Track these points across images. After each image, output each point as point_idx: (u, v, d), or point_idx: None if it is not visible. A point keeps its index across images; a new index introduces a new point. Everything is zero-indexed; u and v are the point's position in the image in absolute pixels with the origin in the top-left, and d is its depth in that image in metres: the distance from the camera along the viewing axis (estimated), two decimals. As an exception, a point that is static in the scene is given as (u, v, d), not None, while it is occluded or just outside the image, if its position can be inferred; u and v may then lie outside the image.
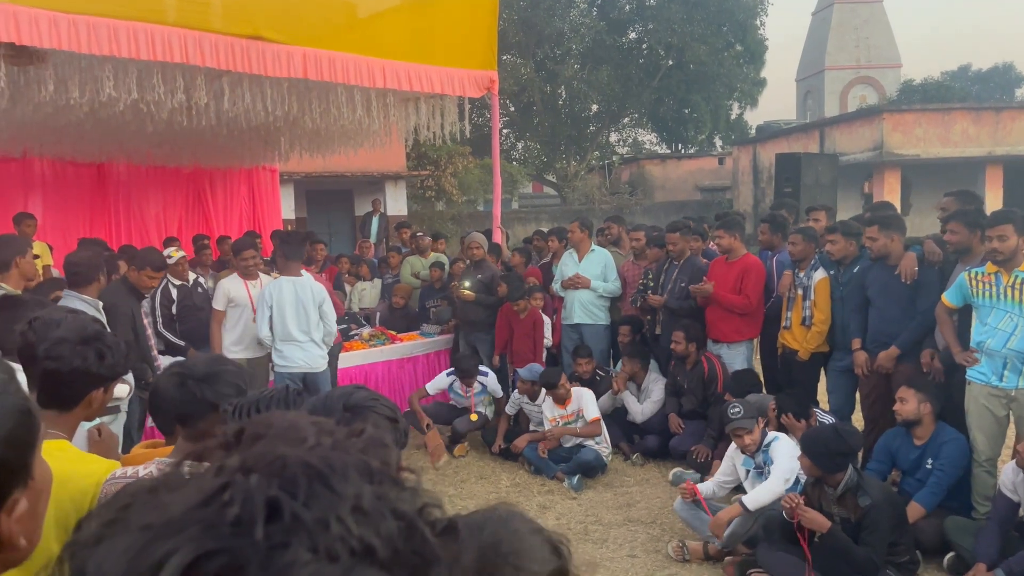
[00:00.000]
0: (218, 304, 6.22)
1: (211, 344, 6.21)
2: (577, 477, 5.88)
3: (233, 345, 6.19)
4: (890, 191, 18.82)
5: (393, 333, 7.94)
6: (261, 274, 6.47)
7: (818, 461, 4.12)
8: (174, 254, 6.86)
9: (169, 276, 6.76)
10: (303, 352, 5.89)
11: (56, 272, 6.90)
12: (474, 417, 6.83)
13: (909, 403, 4.66)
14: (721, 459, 5.36)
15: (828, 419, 5.23)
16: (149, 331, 5.47)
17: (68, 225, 9.31)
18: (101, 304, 4.49)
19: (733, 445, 4.89)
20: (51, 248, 7.84)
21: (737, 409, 4.76)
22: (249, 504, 0.44)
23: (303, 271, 6.14)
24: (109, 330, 2.68)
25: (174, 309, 6.72)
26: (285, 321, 5.83)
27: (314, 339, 5.93)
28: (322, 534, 0.43)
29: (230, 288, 6.24)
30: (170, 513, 0.45)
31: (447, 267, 8.76)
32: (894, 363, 5.16)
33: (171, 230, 10.35)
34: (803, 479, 4.57)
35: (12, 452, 0.83)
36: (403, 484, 0.49)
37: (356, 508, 0.45)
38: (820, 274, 5.70)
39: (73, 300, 4.32)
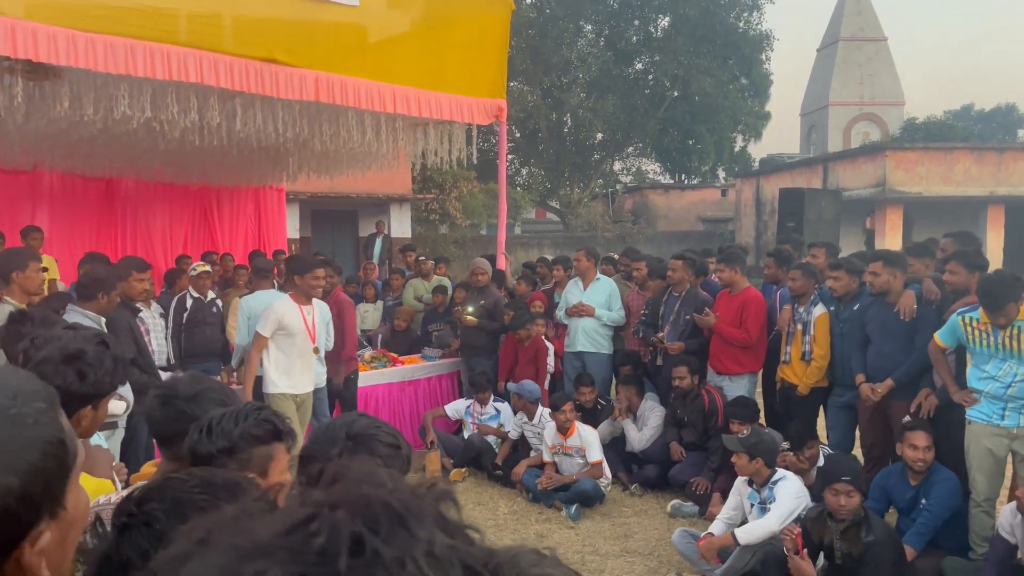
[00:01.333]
0: (264, 329, 5.44)
1: (246, 371, 5.56)
2: (575, 506, 5.87)
3: (278, 375, 5.53)
4: (892, 228, 18.90)
5: (395, 356, 7.96)
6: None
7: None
8: (200, 267, 7.03)
9: (190, 287, 6.95)
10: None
11: (62, 285, 6.94)
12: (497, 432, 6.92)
13: (931, 450, 4.64)
14: (720, 492, 5.37)
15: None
16: (152, 347, 5.49)
17: (75, 238, 9.36)
18: (103, 320, 4.51)
19: (740, 478, 4.90)
20: (56, 261, 7.88)
21: (745, 435, 4.81)
22: (335, 536, 0.47)
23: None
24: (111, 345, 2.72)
25: (184, 318, 6.87)
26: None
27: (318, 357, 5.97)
28: (398, 572, 0.46)
29: (284, 312, 5.47)
30: (258, 537, 0.48)
31: (450, 291, 8.80)
32: (886, 391, 5.17)
33: (177, 246, 10.41)
34: (804, 517, 4.58)
35: (37, 485, 0.82)
36: (471, 538, 0.52)
37: (429, 553, 0.48)
38: (820, 309, 5.74)
39: (76, 315, 4.34)
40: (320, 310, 5.97)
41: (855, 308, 5.57)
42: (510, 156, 29.63)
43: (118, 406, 3.93)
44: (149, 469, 2.25)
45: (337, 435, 1.86)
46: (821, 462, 5.18)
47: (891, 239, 18.41)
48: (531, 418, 6.57)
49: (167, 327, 6.76)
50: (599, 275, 7.46)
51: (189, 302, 6.96)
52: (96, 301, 4.54)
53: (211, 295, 7.18)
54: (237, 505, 0.54)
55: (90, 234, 9.70)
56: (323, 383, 6.11)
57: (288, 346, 5.50)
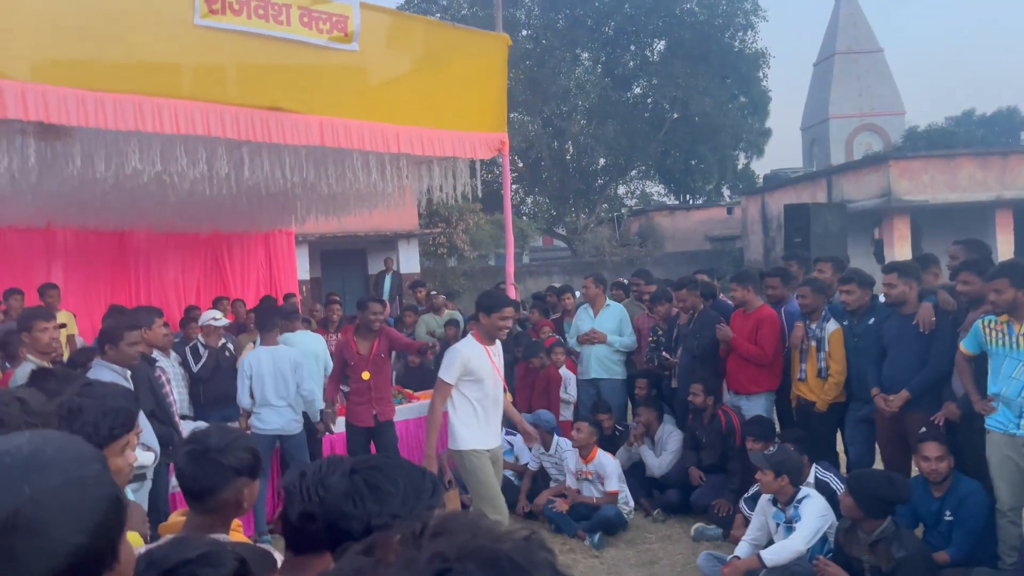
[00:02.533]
0: (449, 375, 4.82)
1: (429, 424, 4.92)
2: (598, 535, 5.85)
3: (466, 429, 4.85)
4: (900, 237, 18.85)
5: (410, 392, 7.98)
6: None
7: (862, 503, 4.12)
8: (219, 316, 7.14)
9: (200, 337, 7.06)
10: (279, 416, 6.09)
11: (81, 340, 7.03)
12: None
13: (944, 461, 4.63)
14: (743, 513, 5.35)
15: (831, 476, 5.22)
16: (172, 396, 5.53)
17: (90, 293, 9.48)
18: (129, 372, 4.56)
19: (764, 497, 4.89)
20: (74, 316, 7.99)
21: (772, 450, 4.82)
22: None
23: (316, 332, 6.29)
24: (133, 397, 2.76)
25: (194, 369, 6.96)
26: (264, 388, 6.07)
27: (291, 404, 6.13)
28: None
29: (470, 355, 4.86)
30: None
31: (462, 324, 8.84)
32: (902, 403, 5.16)
33: (190, 294, 10.52)
34: (831, 538, 4.56)
35: (102, 540, 0.89)
36: None
37: None
38: (833, 325, 5.75)
39: (102, 369, 4.39)
40: (290, 357, 6.15)
41: (870, 322, 5.57)
42: (514, 186, 29.83)
43: (147, 457, 3.96)
44: (177, 519, 2.28)
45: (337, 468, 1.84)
46: (812, 479, 5.17)
47: (900, 249, 18.36)
48: (547, 448, 6.57)
49: (182, 379, 6.88)
50: (609, 301, 7.49)
51: (203, 352, 7.07)
52: (108, 354, 4.57)
53: (221, 341, 7.26)
54: (355, 561, 0.59)
55: (105, 287, 9.82)
56: (299, 429, 6.18)
57: (477, 393, 4.86)
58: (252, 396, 6.10)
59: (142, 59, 5.44)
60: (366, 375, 6.25)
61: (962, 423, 4.92)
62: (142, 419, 3.60)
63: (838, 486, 5.05)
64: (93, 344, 5.55)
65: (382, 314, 6.44)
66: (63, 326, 5.31)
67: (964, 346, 4.81)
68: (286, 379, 6.08)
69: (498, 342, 5.06)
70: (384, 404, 6.39)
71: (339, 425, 6.80)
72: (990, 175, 19.22)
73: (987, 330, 4.60)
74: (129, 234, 10.08)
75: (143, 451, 3.92)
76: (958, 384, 4.97)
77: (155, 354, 5.81)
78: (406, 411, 7.60)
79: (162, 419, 4.92)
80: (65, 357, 5.67)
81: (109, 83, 5.30)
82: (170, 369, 6.34)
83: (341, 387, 6.73)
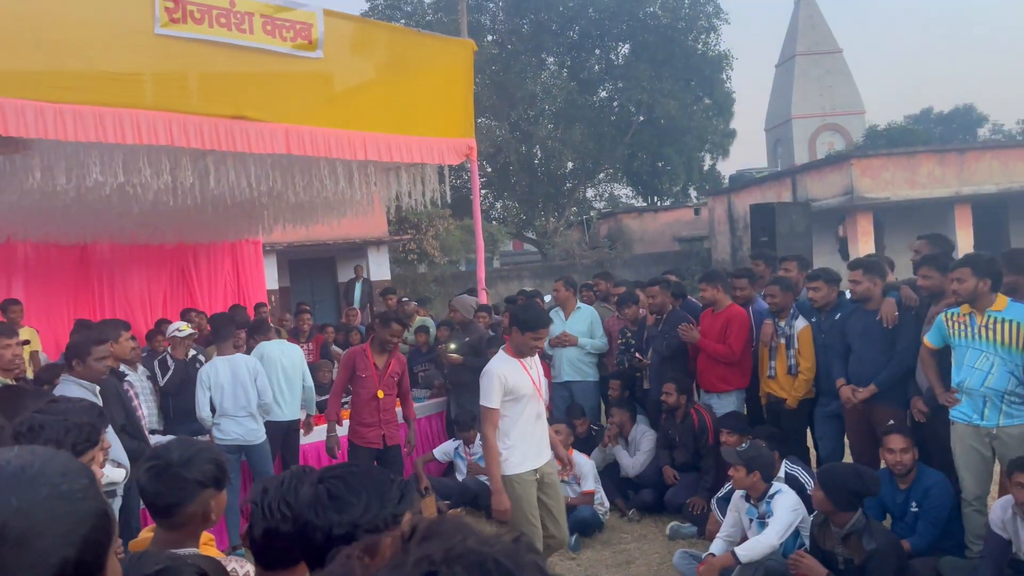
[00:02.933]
0: (491, 401, 4.38)
1: (488, 457, 4.46)
2: (575, 536, 5.85)
3: (511, 452, 4.42)
4: (864, 234, 19.18)
5: (383, 400, 7.94)
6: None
7: (832, 496, 4.18)
8: (185, 328, 7.02)
9: (169, 349, 6.95)
10: (239, 426, 6.02)
11: (44, 356, 6.90)
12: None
13: (908, 452, 4.72)
14: (716, 511, 5.39)
15: (800, 470, 5.29)
16: (142, 411, 5.45)
17: (53, 308, 9.29)
18: (98, 388, 4.47)
19: (737, 494, 4.93)
20: (37, 332, 7.83)
21: (744, 447, 4.88)
22: None
23: (287, 341, 6.23)
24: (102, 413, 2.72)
25: (161, 382, 6.86)
26: (223, 399, 5.99)
27: (252, 413, 6.05)
28: None
29: (506, 373, 4.40)
30: None
31: (432, 331, 8.83)
32: (869, 396, 5.26)
33: (156, 306, 10.36)
34: (804, 532, 4.62)
35: (90, 553, 0.90)
36: None
37: None
38: (801, 323, 5.83)
39: (70, 384, 4.31)
40: (248, 365, 6.06)
41: (836, 318, 5.66)
42: (483, 191, 29.84)
43: (117, 473, 3.90)
44: (147, 535, 2.25)
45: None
46: (782, 473, 5.24)
47: (864, 245, 18.67)
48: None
49: (153, 394, 6.78)
50: (579, 304, 7.52)
51: (171, 364, 6.96)
52: (75, 370, 4.48)
53: (191, 353, 7.15)
54: (343, 566, 0.60)
55: (68, 302, 9.63)
56: (262, 438, 6.12)
57: (516, 412, 4.44)
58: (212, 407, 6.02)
59: (102, 69, 5.36)
60: (380, 394, 5.93)
61: (928, 416, 5.02)
62: (111, 435, 3.55)
63: (807, 480, 5.12)
64: (59, 360, 5.45)
65: (400, 336, 6.15)
66: (27, 343, 5.19)
67: (928, 339, 4.90)
68: (246, 389, 6.00)
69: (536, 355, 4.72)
70: (393, 427, 6.09)
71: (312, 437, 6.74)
72: (948, 171, 19.63)
73: (950, 322, 4.70)
74: (92, 247, 9.90)
75: (113, 467, 3.86)
76: (923, 378, 5.07)
77: (123, 368, 5.71)
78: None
79: (133, 434, 4.85)
80: (29, 374, 5.56)
81: (68, 94, 5.22)
82: (138, 383, 6.24)
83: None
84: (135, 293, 10.33)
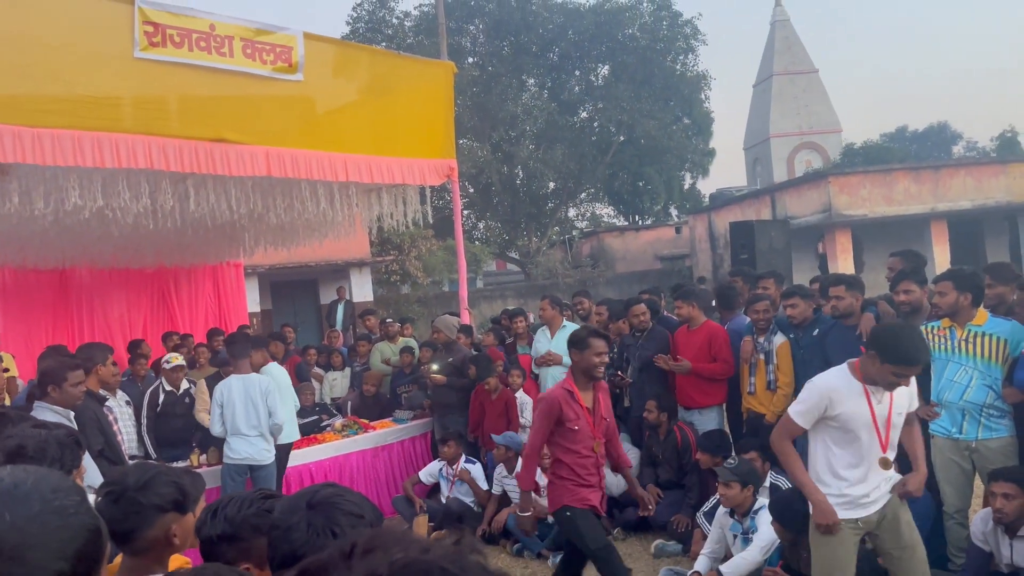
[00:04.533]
0: (802, 417, 3.62)
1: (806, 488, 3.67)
2: (562, 555, 5.82)
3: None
4: (843, 251, 19.40)
5: (365, 422, 7.90)
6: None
7: (788, 524, 4.18)
8: (173, 360, 6.99)
9: (163, 380, 6.92)
10: (250, 445, 6.04)
11: (21, 383, 6.81)
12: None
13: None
14: (701, 528, 5.40)
15: (783, 479, 5.32)
16: (121, 435, 5.38)
17: (31, 333, 9.19)
18: (72, 414, 4.42)
19: (721, 510, 4.94)
20: (14, 357, 7.73)
21: (732, 462, 4.86)
22: None
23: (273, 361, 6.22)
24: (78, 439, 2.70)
25: (156, 412, 6.83)
26: (235, 417, 6.01)
27: (262, 433, 6.07)
28: None
29: (844, 393, 3.50)
30: None
31: (416, 352, 8.80)
32: None
33: (136, 331, 10.25)
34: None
35: (81, 568, 0.92)
36: None
37: None
38: (780, 339, 5.88)
39: (44, 411, 4.25)
40: (260, 385, 6.04)
41: (814, 333, 5.71)
42: (466, 211, 29.93)
43: (91, 499, 3.85)
44: (120, 561, 2.22)
45: (298, 504, 1.82)
46: (767, 483, 5.26)
47: (843, 262, 18.89)
48: (510, 471, 6.54)
49: (139, 417, 6.71)
50: (565, 322, 7.54)
51: (162, 396, 6.92)
52: (50, 396, 4.41)
53: (184, 386, 7.12)
54: None
55: (46, 327, 9.53)
56: (270, 459, 6.11)
57: (848, 446, 3.50)
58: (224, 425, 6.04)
59: (81, 93, 5.35)
60: (598, 447, 4.47)
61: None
62: (87, 460, 3.51)
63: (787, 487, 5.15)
64: (29, 385, 5.41)
65: (607, 352, 4.60)
66: (6, 370, 5.12)
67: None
68: (257, 407, 6.01)
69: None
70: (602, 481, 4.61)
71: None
72: (924, 188, 19.92)
73: (930, 336, 4.75)
74: (71, 271, 9.81)
75: (89, 493, 3.81)
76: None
77: (102, 392, 5.65)
78: (363, 441, 7.52)
79: (112, 459, 4.79)
80: (6, 400, 5.48)
81: (47, 118, 5.20)
82: (117, 408, 6.17)
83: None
84: (115, 318, 10.23)
